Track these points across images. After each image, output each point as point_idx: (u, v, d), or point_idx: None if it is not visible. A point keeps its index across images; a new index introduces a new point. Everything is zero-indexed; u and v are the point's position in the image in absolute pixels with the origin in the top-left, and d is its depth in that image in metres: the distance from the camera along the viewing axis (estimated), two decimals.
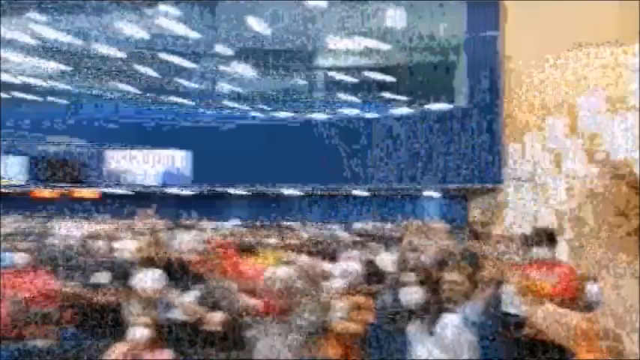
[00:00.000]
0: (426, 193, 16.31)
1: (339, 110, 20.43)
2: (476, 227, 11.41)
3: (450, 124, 14.04)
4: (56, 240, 7.65)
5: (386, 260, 5.84)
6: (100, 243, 6.68)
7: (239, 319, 3.82)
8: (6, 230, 9.38)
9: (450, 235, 7.55)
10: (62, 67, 21.09)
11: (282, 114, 20.08)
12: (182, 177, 16.65)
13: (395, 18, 17.52)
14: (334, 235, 9.65)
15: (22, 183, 17.23)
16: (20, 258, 5.61)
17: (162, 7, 17.86)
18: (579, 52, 9.98)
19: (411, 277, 3.70)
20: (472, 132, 13.39)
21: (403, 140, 14.45)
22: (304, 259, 5.86)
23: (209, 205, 15.11)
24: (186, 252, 6.53)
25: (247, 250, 6.44)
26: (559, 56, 10.36)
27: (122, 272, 5.40)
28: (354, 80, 20.40)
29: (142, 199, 15.22)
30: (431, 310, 3.46)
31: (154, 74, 21.25)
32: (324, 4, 17.18)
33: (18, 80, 21.82)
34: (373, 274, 5.31)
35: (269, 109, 21.31)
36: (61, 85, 21.98)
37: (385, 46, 18.59)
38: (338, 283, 4.63)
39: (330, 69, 20.71)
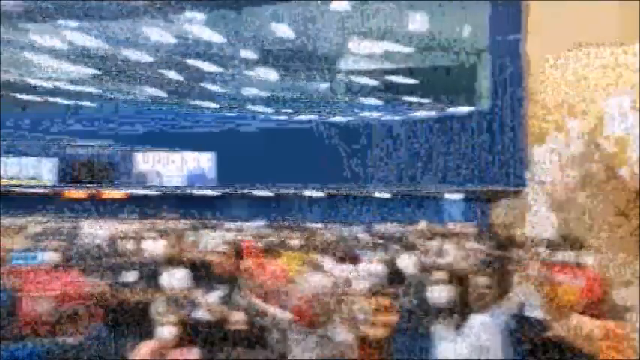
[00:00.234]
0: (447, 196, 16.23)
1: (361, 113, 20.47)
2: (499, 230, 11.34)
3: (472, 126, 13.97)
4: (85, 239, 7.86)
5: (407, 262, 5.87)
6: (128, 242, 6.85)
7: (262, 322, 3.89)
8: (36, 229, 9.68)
9: (472, 237, 7.54)
10: (91, 71, 21.58)
11: (305, 117, 20.20)
12: (207, 179, 16.91)
13: (417, 21, 17.48)
14: (356, 237, 9.69)
15: (52, 184, 17.66)
16: (50, 256, 5.80)
17: (189, 14, 18.16)
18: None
19: (441, 275, 3.72)
20: (494, 135, 13.30)
21: (425, 143, 14.43)
22: (328, 261, 5.94)
23: (233, 206, 15.32)
24: (211, 252, 6.65)
25: (272, 250, 6.54)
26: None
27: (150, 271, 5.53)
28: (376, 83, 20.41)
29: (168, 200, 15.52)
30: (459, 310, 3.46)
31: (180, 78, 21.59)
32: (347, 8, 17.23)
33: (48, 84, 22.40)
34: (395, 276, 5.34)
35: (292, 112, 21.45)
36: (89, 89, 22.49)
37: (407, 49, 18.57)
38: (361, 285, 4.68)
39: (352, 72, 20.76)
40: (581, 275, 4.93)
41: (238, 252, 6.47)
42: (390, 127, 16.96)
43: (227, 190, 16.72)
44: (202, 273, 5.34)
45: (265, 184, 16.19)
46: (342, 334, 3.62)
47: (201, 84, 21.63)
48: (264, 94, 22.23)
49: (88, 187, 17.44)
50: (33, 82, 22.20)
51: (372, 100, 21.00)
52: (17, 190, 17.69)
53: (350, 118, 19.71)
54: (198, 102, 22.26)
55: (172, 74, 21.51)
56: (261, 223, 11.57)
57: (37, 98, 22.50)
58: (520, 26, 12.62)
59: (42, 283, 5.30)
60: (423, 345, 3.57)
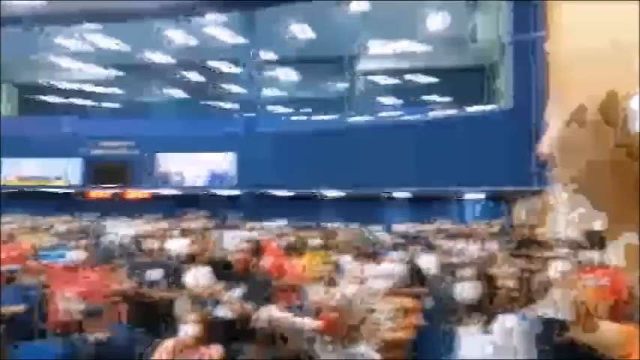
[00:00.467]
0: (469, 196, 16.10)
1: (380, 113, 20.42)
2: (521, 230, 11.23)
3: (493, 125, 13.83)
4: (110, 238, 7.99)
5: (428, 262, 5.85)
6: (152, 241, 6.95)
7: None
8: (62, 229, 9.87)
9: (493, 237, 7.49)
10: (114, 73, 21.94)
11: (324, 118, 20.23)
12: (228, 178, 17.06)
13: (437, 20, 17.39)
14: (375, 237, 9.68)
15: (77, 184, 17.99)
16: (77, 255, 5.92)
17: (210, 16, 18.34)
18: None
19: (468, 272, 3.70)
20: (516, 134, 13.15)
21: (445, 142, 14.31)
22: (348, 260, 5.95)
23: (254, 206, 15.41)
24: (233, 251, 6.71)
25: (293, 250, 6.57)
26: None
27: (174, 270, 5.60)
28: (396, 83, 20.35)
29: (190, 199, 15.68)
30: (486, 310, 3.45)
31: (201, 79, 21.83)
32: (366, 9, 17.22)
33: (73, 86, 22.82)
34: (416, 276, 5.33)
35: (311, 112, 21.51)
36: (113, 91, 22.86)
37: (427, 48, 18.48)
38: (382, 285, 4.67)
39: (371, 72, 20.73)
40: (605, 275, 4.87)
41: (259, 251, 6.53)
42: (409, 126, 16.88)
43: (248, 190, 16.84)
44: (224, 271, 5.39)
45: (285, 185, 16.26)
46: (369, 352, 3.64)
47: (222, 85, 21.84)
48: (284, 94, 22.34)
49: (111, 187, 17.72)
50: (58, 84, 22.66)
51: (391, 100, 20.95)
52: (43, 189, 18.06)
53: (369, 118, 19.68)
54: (219, 103, 22.47)
55: (193, 75, 21.77)
56: (282, 222, 11.62)
57: (62, 100, 22.94)
58: (543, 23, 12.45)
59: (69, 281, 5.41)
60: (447, 345, 3.57)
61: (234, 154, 16.96)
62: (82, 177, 18.01)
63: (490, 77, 17.16)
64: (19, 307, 5.34)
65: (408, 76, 19.74)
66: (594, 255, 5.15)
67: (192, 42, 19.34)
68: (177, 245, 6.31)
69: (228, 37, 18.89)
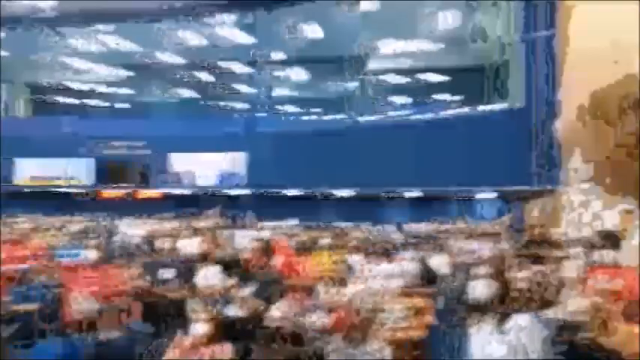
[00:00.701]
0: (480, 196, 16.01)
1: (391, 113, 20.38)
2: (534, 230, 11.15)
3: (504, 124, 13.74)
4: (123, 238, 8.06)
5: (439, 261, 5.84)
6: (164, 241, 7.01)
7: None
8: (76, 228, 9.97)
9: (505, 237, 7.46)
10: (126, 73, 22.10)
11: (335, 117, 20.23)
12: (238, 178, 17.12)
13: (447, 19, 17.31)
14: (387, 237, 9.67)
15: (90, 184, 18.14)
16: (90, 254, 5.99)
17: (220, 16, 18.41)
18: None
19: (482, 270, 3.68)
20: (529, 132, 13.05)
21: (456, 141, 14.23)
22: (358, 259, 5.96)
23: (264, 206, 15.44)
24: (244, 250, 6.75)
25: (304, 249, 6.59)
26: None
27: (185, 269, 5.65)
28: (406, 82, 20.31)
29: (201, 199, 15.75)
30: (501, 309, 3.43)
31: (213, 80, 21.93)
32: (376, 8, 17.19)
33: (85, 86, 23.04)
34: (428, 275, 5.33)
35: (321, 112, 21.53)
36: (124, 91, 23.04)
37: (438, 47, 18.41)
38: (394, 284, 4.68)
39: (382, 72, 20.69)
40: (619, 276, 4.82)
41: (269, 250, 6.56)
42: (420, 125, 16.81)
43: (258, 190, 16.88)
44: (235, 270, 5.42)
45: (295, 185, 16.28)
46: (379, 350, 3.65)
47: (233, 85, 21.93)
48: (294, 94, 22.39)
49: (124, 187, 17.85)
50: (70, 85, 22.88)
51: (401, 99, 20.92)
52: (56, 189, 18.24)
53: (379, 117, 19.65)
54: (229, 103, 22.57)
55: (204, 76, 21.88)
56: (293, 222, 11.63)
57: (75, 101, 23.17)
58: (554, 21, 12.36)
59: (83, 280, 5.46)
60: (459, 344, 3.55)
61: (244, 154, 17.00)
62: (95, 177, 18.15)
63: (502, 75, 17.03)
64: (32, 306, 5.41)
65: (418, 75, 19.68)
66: (608, 255, 5.11)
67: (203, 42, 19.43)
68: (189, 244, 6.36)
69: (238, 37, 18.96)
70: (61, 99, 23.15)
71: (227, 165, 17.48)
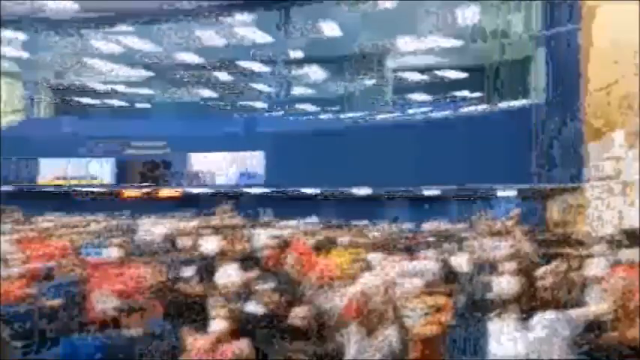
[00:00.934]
0: (501, 194, 15.83)
1: (410, 110, 20.28)
2: (557, 228, 11.01)
3: (526, 121, 13.57)
4: (144, 236, 8.16)
5: (460, 260, 5.80)
6: (185, 239, 7.08)
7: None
8: (98, 227, 10.12)
9: (526, 235, 7.37)
10: (146, 73, 22.38)
11: (353, 116, 20.21)
12: (256, 177, 17.21)
13: (467, 14, 17.15)
14: (406, 235, 9.63)
15: (111, 183, 18.41)
16: (112, 252, 6.07)
17: (239, 15, 18.52)
18: None
19: (508, 266, 3.64)
20: (550, 129, 12.88)
21: (476, 139, 14.11)
22: (377, 257, 5.94)
23: (282, 205, 15.49)
24: (262, 248, 6.79)
25: (322, 247, 6.60)
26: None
27: (206, 267, 5.70)
28: (425, 78, 20.19)
29: (221, 198, 15.85)
30: (524, 306, 3.40)
31: (231, 79, 22.08)
32: (394, 5, 17.12)
33: (106, 87, 23.38)
34: (448, 274, 5.30)
35: (339, 110, 21.52)
36: (144, 91, 23.33)
37: (457, 43, 18.26)
38: (414, 283, 4.66)
39: (400, 69, 20.60)
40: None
41: (287, 248, 6.59)
42: (438, 123, 16.70)
43: (276, 189, 16.95)
44: (254, 268, 5.46)
45: (313, 183, 16.30)
46: (395, 339, 3.65)
47: (251, 84, 22.04)
48: (312, 92, 22.42)
49: (144, 186, 18.07)
50: (91, 85, 23.25)
51: (420, 97, 20.80)
52: (79, 189, 18.54)
53: (398, 114, 19.56)
54: (248, 102, 22.70)
55: (223, 75, 22.03)
56: (311, 220, 11.66)
57: (96, 101, 23.53)
58: (578, 15, 12.16)
59: (106, 277, 5.55)
60: (480, 341, 3.53)
61: (262, 153, 17.08)
62: (115, 177, 18.40)
63: (523, 71, 16.82)
64: (57, 302, 5.52)
65: (438, 72, 19.55)
66: (632, 253, 5.02)
67: (222, 42, 19.57)
68: (209, 243, 6.42)
69: (257, 37, 19.05)
70: (82, 99, 23.53)
71: (246, 163, 17.57)
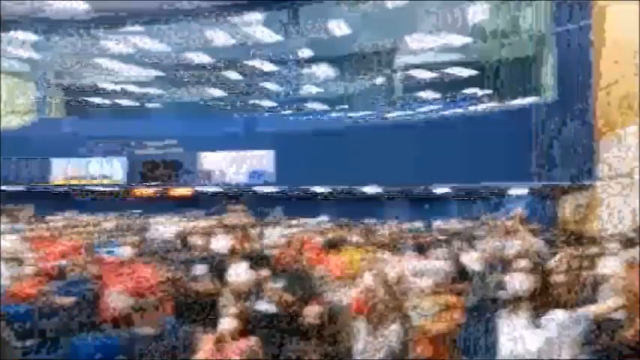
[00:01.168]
0: (512, 192, 15.75)
1: (419, 108, 20.21)
2: (568, 226, 10.93)
3: (537, 119, 13.47)
4: (155, 235, 8.21)
5: (471, 258, 5.78)
6: (196, 238, 7.11)
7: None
8: (110, 225, 10.20)
9: (537, 234, 7.32)
10: (156, 73, 22.50)
11: (363, 114, 20.17)
12: (267, 176, 17.24)
13: (477, 11, 17.06)
14: (416, 234, 9.61)
15: (122, 182, 18.52)
16: (125, 251, 6.12)
17: (248, 15, 18.56)
18: None
19: (524, 263, 3.62)
20: (562, 127, 12.78)
21: (486, 137, 14.03)
22: (388, 256, 5.94)
23: (293, 203, 15.52)
24: (273, 246, 6.80)
25: (332, 246, 6.60)
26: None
27: (218, 265, 5.72)
28: (435, 76, 20.10)
29: (231, 197, 15.91)
30: (537, 304, 3.38)
31: (240, 78, 22.14)
32: (403, 4, 17.06)
33: (117, 87, 23.54)
34: (459, 273, 5.28)
35: (348, 108, 21.50)
36: (155, 91, 23.46)
37: (466, 41, 18.17)
38: (425, 282, 4.66)
39: (410, 67, 20.54)
40: None
41: (298, 247, 6.59)
42: (448, 121, 16.62)
43: (287, 188, 16.97)
44: (265, 267, 5.47)
45: (323, 182, 16.30)
46: (396, 338, 3.66)
47: (260, 83, 22.08)
48: (321, 90, 22.42)
49: (155, 186, 18.17)
50: (103, 85, 23.42)
51: (429, 94, 20.71)
52: (91, 188, 18.68)
53: (407, 112, 19.49)
54: (257, 101, 22.74)
55: (232, 74, 22.09)
56: (322, 219, 11.67)
57: (107, 101, 23.70)
58: (589, 12, 12.06)
59: (118, 276, 5.59)
60: (490, 338, 3.52)
61: (272, 152, 17.11)
62: (126, 176, 18.51)
63: (534, 68, 16.70)
64: (70, 300, 5.57)
65: (447, 70, 19.46)
66: None
67: (231, 41, 19.62)
68: (220, 241, 6.44)
69: (266, 36, 19.08)
70: (93, 99, 23.70)
71: (256, 163, 17.60)
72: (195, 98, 23.22)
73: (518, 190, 15.23)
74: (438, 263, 5.25)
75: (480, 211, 14.38)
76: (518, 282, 3.39)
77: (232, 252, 6.21)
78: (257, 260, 5.68)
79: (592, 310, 3.37)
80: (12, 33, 19.65)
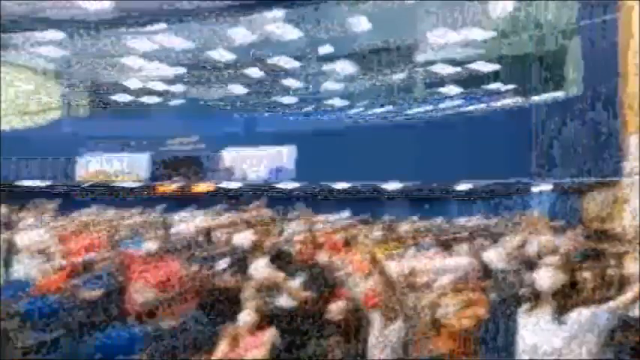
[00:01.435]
0: (536, 189, 15.55)
1: (441, 105, 20.05)
2: (593, 224, 10.76)
3: (561, 114, 13.27)
4: (179, 230, 8.30)
5: (493, 255, 5.74)
6: (218, 233, 7.18)
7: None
8: (134, 221, 10.32)
9: (561, 231, 7.24)
10: (178, 71, 22.72)
11: (384, 110, 20.11)
12: (287, 172, 17.31)
13: (500, 5, 16.84)
14: (439, 231, 9.56)
15: (145, 179, 18.79)
16: (149, 246, 6.20)
17: (269, 13, 18.63)
18: None
19: (552, 259, 3.59)
20: (587, 123, 12.56)
21: (509, 133, 13.86)
22: (410, 252, 5.93)
23: (313, 200, 15.56)
24: (293, 242, 6.82)
25: (352, 242, 6.61)
26: None
27: (240, 260, 5.78)
28: (456, 71, 19.91)
29: (253, 193, 16.03)
30: (563, 300, 3.35)
31: (262, 76, 22.22)
32: None
33: (139, 84, 23.83)
34: (482, 269, 5.25)
35: (370, 104, 21.45)
36: (177, 89, 23.70)
37: (490, 35, 17.95)
38: (447, 279, 4.65)
39: (431, 63, 20.39)
40: None
41: (317, 243, 6.61)
42: (470, 117, 16.48)
43: (308, 184, 17.03)
44: (286, 262, 5.51)
45: (343, 178, 16.31)
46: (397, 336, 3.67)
47: (281, 80, 22.13)
48: (342, 87, 22.39)
49: (178, 182, 18.39)
50: (126, 83, 23.74)
51: (451, 90, 20.52)
52: (115, 184, 19.00)
53: (428, 108, 19.36)
54: (278, 98, 22.81)
55: (254, 72, 22.18)
56: (342, 215, 11.67)
57: (129, 98, 24.02)
58: (615, 5, 11.83)
59: (143, 270, 5.68)
60: (511, 335, 3.51)
61: (293, 148, 17.17)
62: (150, 172, 18.77)
63: (558, 63, 16.44)
64: (97, 292, 5.69)
65: (470, 65, 19.25)
66: None
67: (252, 38, 19.70)
68: (243, 237, 6.50)
69: (287, 33, 19.11)
70: (117, 97, 24.05)
71: (277, 159, 17.68)
72: (217, 95, 23.42)
73: (542, 187, 15.04)
74: (460, 260, 5.23)
75: (499, 208, 14.28)
76: (545, 278, 3.36)
77: (254, 247, 6.26)
78: (278, 255, 5.72)
79: (611, 305, 3.33)
80: (37, 33, 20.04)
